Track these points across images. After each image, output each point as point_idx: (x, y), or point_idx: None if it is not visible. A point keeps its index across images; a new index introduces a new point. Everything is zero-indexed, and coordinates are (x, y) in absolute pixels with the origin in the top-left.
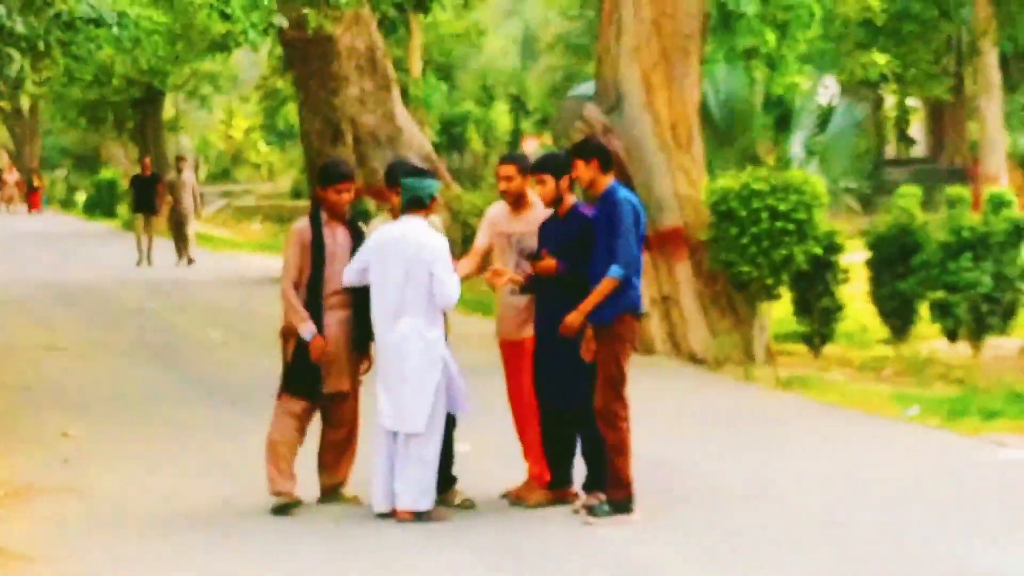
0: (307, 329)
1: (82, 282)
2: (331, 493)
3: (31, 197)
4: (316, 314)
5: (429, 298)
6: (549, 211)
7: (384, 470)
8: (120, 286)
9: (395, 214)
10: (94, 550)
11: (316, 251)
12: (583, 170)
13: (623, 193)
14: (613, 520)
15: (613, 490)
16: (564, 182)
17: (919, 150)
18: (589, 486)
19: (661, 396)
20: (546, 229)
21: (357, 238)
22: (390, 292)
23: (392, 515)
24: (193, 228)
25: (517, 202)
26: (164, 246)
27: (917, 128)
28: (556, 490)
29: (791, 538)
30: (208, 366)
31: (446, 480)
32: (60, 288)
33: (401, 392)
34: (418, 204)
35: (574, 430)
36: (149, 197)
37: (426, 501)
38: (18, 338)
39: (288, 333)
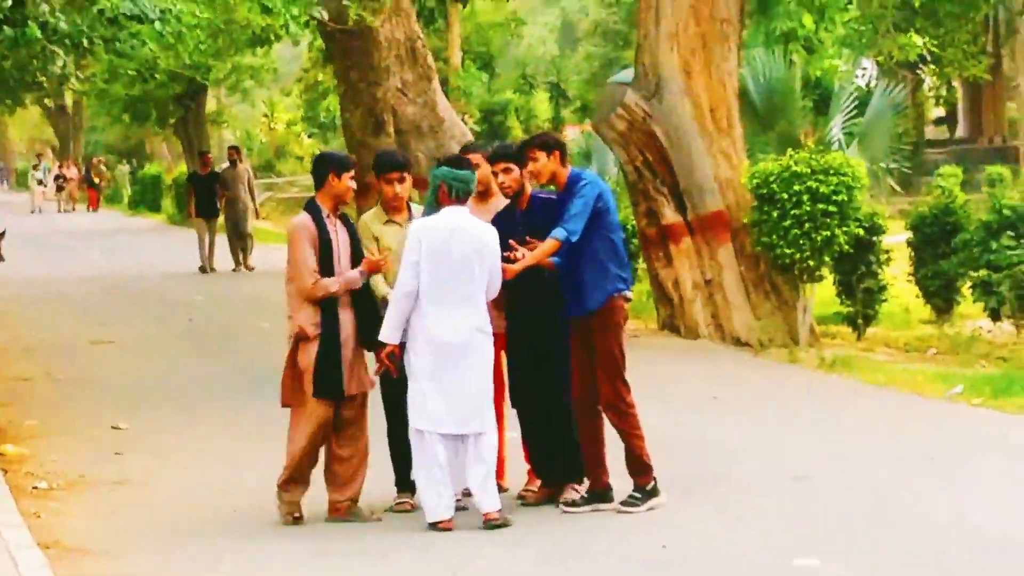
0: (355, 275)
1: (130, 276)
2: (345, 510)
3: (91, 194)
4: (333, 316)
5: (483, 291)
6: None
7: (442, 477)
8: (167, 279)
9: (398, 204)
10: (148, 545)
11: (324, 248)
12: (544, 162)
13: (589, 175)
14: (649, 505)
15: (641, 477)
16: (525, 173)
17: (958, 130)
18: (562, 478)
19: (707, 380)
20: (507, 221)
21: (352, 232)
22: (447, 288)
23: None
24: (251, 227)
25: (485, 192)
26: (221, 246)
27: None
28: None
29: (840, 518)
30: (258, 358)
31: (407, 482)
32: (108, 282)
33: (463, 392)
34: (465, 195)
35: (555, 426)
36: (211, 198)
37: (492, 503)
38: (68, 332)
39: (301, 336)
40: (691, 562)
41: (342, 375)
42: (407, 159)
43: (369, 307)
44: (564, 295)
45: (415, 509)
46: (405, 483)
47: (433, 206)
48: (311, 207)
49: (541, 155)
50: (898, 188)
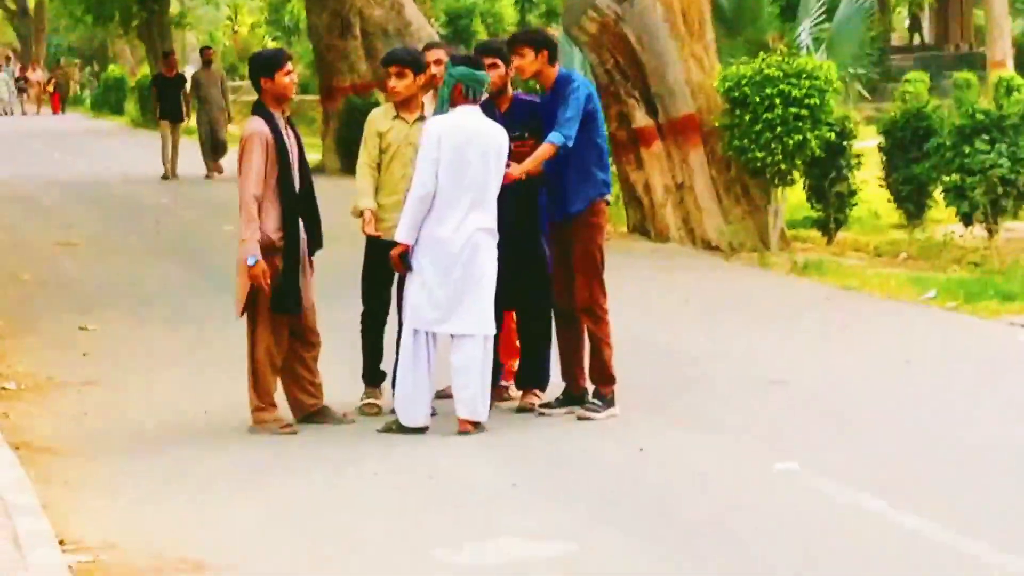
0: (251, 251)
1: (94, 179)
2: (320, 413)
3: (53, 99)
4: (294, 225)
5: (495, 192)
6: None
7: (426, 381)
8: (132, 183)
9: (397, 98)
10: (118, 448)
11: (281, 153)
12: (531, 60)
13: (578, 76)
14: (607, 413)
15: (604, 385)
16: (510, 71)
17: (924, 37)
18: (524, 382)
19: (677, 283)
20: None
21: (297, 135)
22: (463, 190)
23: (423, 430)
24: (225, 132)
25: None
26: (186, 151)
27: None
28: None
29: (819, 423)
30: (223, 260)
31: (375, 374)
32: (72, 185)
33: (471, 294)
34: (473, 95)
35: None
36: (175, 101)
37: (486, 411)
38: (32, 234)
39: (267, 246)
40: (670, 467)
41: (300, 289)
42: (410, 55)
43: (315, 212)
44: (547, 198)
45: (380, 413)
46: (375, 375)
47: (447, 105)
48: (262, 111)
49: (528, 52)
50: (866, 94)
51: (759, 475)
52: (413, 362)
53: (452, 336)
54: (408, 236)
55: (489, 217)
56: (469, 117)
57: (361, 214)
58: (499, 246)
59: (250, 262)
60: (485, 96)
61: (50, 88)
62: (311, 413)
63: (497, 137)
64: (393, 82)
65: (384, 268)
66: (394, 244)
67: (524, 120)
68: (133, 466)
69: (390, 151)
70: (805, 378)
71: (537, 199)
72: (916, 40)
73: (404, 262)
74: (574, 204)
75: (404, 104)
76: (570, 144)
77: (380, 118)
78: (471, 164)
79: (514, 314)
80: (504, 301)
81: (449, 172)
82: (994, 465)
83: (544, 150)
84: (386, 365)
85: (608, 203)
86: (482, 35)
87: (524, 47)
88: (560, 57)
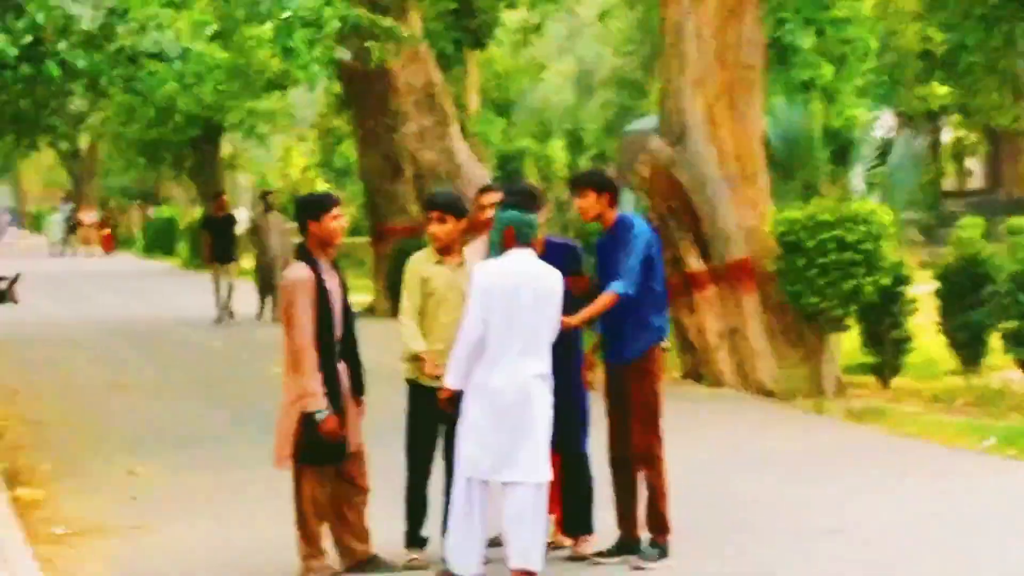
0: (320, 404)
1: (145, 321)
2: (370, 562)
3: (105, 239)
4: (333, 372)
5: (548, 336)
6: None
7: (478, 529)
8: (182, 324)
9: (438, 244)
10: None
11: (322, 300)
12: (594, 201)
13: (638, 220)
14: (662, 564)
15: (660, 535)
16: (541, 215)
17: (975, 181)
18: (574, 529)
19: (733, 430)
20: None
21: (342, 278)
22: (514, 335)
23: None
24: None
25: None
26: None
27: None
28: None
29: (869, 570)
30: (272, 404)
31: (417, 540)
32: (123, 327)
33: (526, 441)
34: (528, 238)
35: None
36: (226, 242)
37: (540, 560)
38: (83, 376)
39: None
40: None
41: (343, 437)
42: (450, 199)
43: (356, 354)
44: (603, 343)
45: (429, 567)
46: (416, 538)
47: (498, 249)
48: (306, 256)
49: (591, 194)
50: (919, 238)
51: None
52: (466, 511)
53: (504, 484)
54: (457, 382)
55: (543, 363)
56: (520, 261)
57: (415, 358)
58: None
59: (319, 417)
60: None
61: (104, 230)
62: (361, 561)
63: (550, 280)
64: (434, 227)
65: (430, 421)
66: (438, 394)
67: (558, 264)
68: None
69: (435, 297)
70: (862, 528)
71: (578, 343)
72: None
73: (454, 407)
74: (630, 350)
75: (446, 249)
76: (631, 294)
77: (423, 263)
78: (523, 309)
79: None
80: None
81: (500, 317)
82: None
83: (605, 299)
84: (427, 527)
85: (665, 349)
86: (533, 178)
87: (587, 189)
88: None
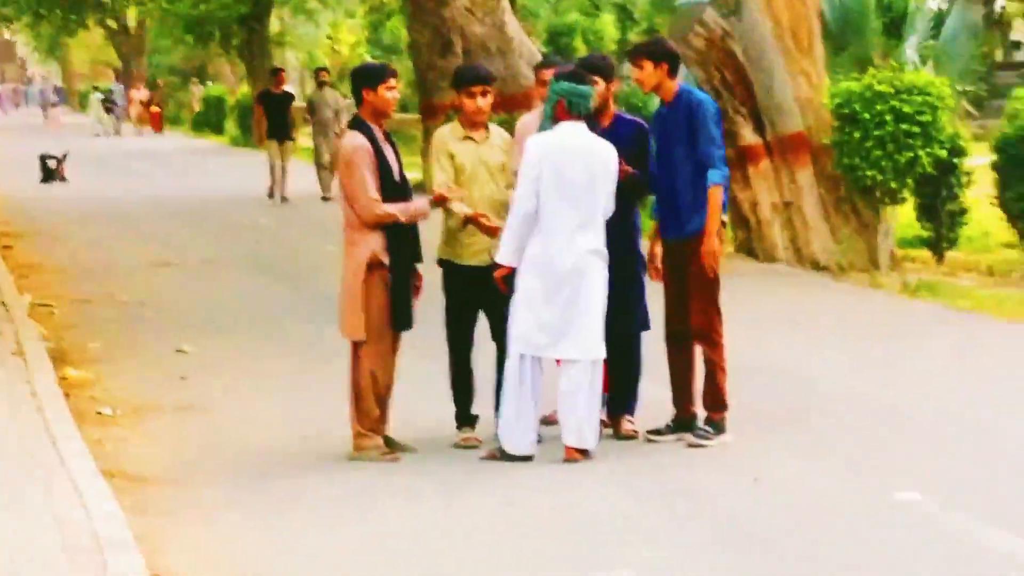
0: (423, 205)
1: (194, 199)
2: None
3: (154, 118)
4: (399, 241)
5: (603, 211)
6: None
7: (531, 407)
8: (232, 203)
9: (465, 121)
10: (214, 476)
11: (383, 168)
12: (650, 72)
13: (701, 94)
14: (718, 440)
15: (716, 412)
16: (612, 86)
17: None
18: (616, 409)
19: (787, 305)
20: None
21: (397, 151)
22: (569, 209)
23: (529, 458)
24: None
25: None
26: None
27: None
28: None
29: (939, 451)
30: (324, 282)
31: (469, 418)
32: (171, 205)
33: (581, 317)
34: (583, 111)
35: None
36: (283, 120)
37: (595, 438)
38: (130, 254)
39: (375, 263)
40: (787, 498)
41: (412, 306)
42: (490, 73)
43: (414, 228)
44: (661, 217)
45: (481, 445)
46: (466, 417)
47: (550, 122)
48: (361, 126)
49: (648, 64)
50: (973, 111)
51: (879, 506)
52: (518, 388)
53: (558, 361)
54: (511, 258)
55: (598, 238)
56: (573, 134)
57: (466, 221)
58: None
59: (431, 197)
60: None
61: (154, 107)
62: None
63: (604, 154)
64: (478, 101)
65: (467, 300)
66: (475, 273)
67: (625, 141)
68: (231, 496)
69: (464, 173)
70: (924, 404)
71: (633, 220)
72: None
73: (508, 284)
74: (690, 224)
75: (474, 124)
76: (727, 175)
77: (449, 139)
78: (576, 183)
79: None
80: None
81: (552, 191)
82: None
83: (716, 199)
84: (477, 405)
85: (724, 224)
86: (583, 53)
87: (643, 59)
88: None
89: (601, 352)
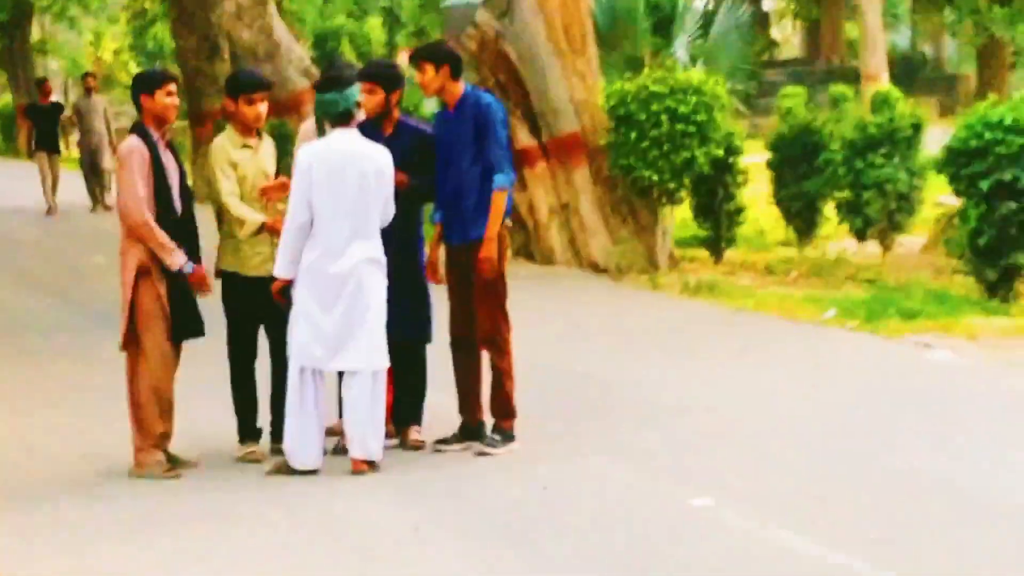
0: (181, 260)
1: None
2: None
3: None
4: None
5: (378, 218)
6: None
7: (314, 420)
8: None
9: (241, 128)
10: None
11: (158, 173)
12: (432, 76)
13: (488, 96)
14: (507, 448)
15: (505, 420)
16: (395, 96)
17: (793, 51)
18: (403, 420)
19: (569, 308)
20: None
21: (179, 159)
22: (341, 218)
23: (315, 472)
24: (108, 162)
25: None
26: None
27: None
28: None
29: (731, 453)
30: (95, 294)
31: (252, 432)
32: None
33: (360, 328)
34: (346, 117)
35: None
36: (51, 131)
37: (380, 449)
38: None
39: (143, 270)
40: (578, 504)
41: (199, 311)
42: (267, 79)
43: (195, 237)
44: (444, 222)
45: (264, 459)
46: (249, 431)
47: (322, 132)
48: (139, 130)
49: (429, 68)
50: (743, 109)
51: (674, 511)
52: (300, 401)
53: (340, 373)
54: (287, 270)
55: (373, 246)
56: (344, 140)
57: (260, 228)
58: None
59: (187, 270)
60: (362, 117)
61: None
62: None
63: (376, 159)
64: (260, 108)
65: (250, 314)
66: (258, 284)
67: (408, 148)
68: (8, 518)
69: (247, 182)
70: (710, 404)
71: (416, 228)
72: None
73: (285, 296)
74: (476, 229)
75: (250, 131)
76: (514, 179)
77: (229, 148)
78: (349, 190)
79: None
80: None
81: (325, 199)
82: (912, 494)
83: (499, 202)
84: (260, 419)
85: (508, 226)
86: (350, 57)
87: (425, 62)
88: None
89: (383, 362)
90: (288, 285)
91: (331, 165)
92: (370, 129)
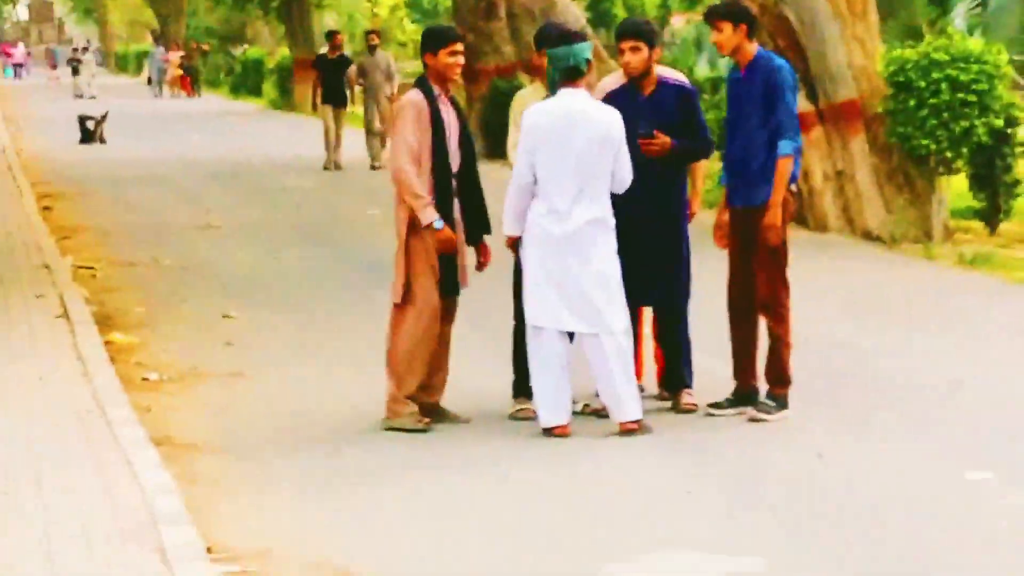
0: (432, 216)
1: (234, 161)
2: (433, 412)
3: (183, 81)
4: (446, 203)
5: (605, 180)
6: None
7: (561, 381)
8: (272, 165)
9: (544, 82)
10: (262, 442)
11: (436, 126)
12: (730, 35)
13: (780, 60)
14: (780, 416)
15: (779, 387)
16: (656, 53)
17: None
18: (673, 384)
19: (841, 277)
20: (626, 105)
21: (462, 117)
22: (567, 179)
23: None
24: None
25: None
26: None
27: None
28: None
29: (1008, 428)
30: (369, 246)
31: (527, 389)
32: (212, 167)
33: (580, 287)
34: (574, 74)
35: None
36: (338, 85)
37: (638, 408)
38: (172, 217)
39: (414, 223)
40: (853, 476)
41: (457, 271)
42: (573, 31)
43: (477, 195)
44: (729, 184)
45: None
46: (523, 388)
47: (552, 92)
48: (422, 84)
49: (727, 26)
50: (1020, 80)
51: (950, 485)
52: (538, 358)
53: (581, 336)
54: (512, 227)
55: (600, 208)
56: (572, 101)
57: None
58: (636, 240)
59: (437, 226)
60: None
61: (178, 70)
62: (426, 410)
63: (605, 121)
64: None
65: None
66: None
67: (669, 106)
68: (279, 464)
69: None
70: (986, 379)
71: (679, 190)
72: None
73: (515, 251)
74: (760, 193)
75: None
76: (800, 146)
77: (530, 100)
78: (573, 151)
79: (651, 313)
80: (639, 298)
81: (548, 160)
82: None
83: (783, 168)
84: None
85: (794, 192)
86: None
87: (722, 21)
88: (708, 43)
89: (617, 324)
90: (518, 240)
91: (555, 126)
92: (631, 91)
